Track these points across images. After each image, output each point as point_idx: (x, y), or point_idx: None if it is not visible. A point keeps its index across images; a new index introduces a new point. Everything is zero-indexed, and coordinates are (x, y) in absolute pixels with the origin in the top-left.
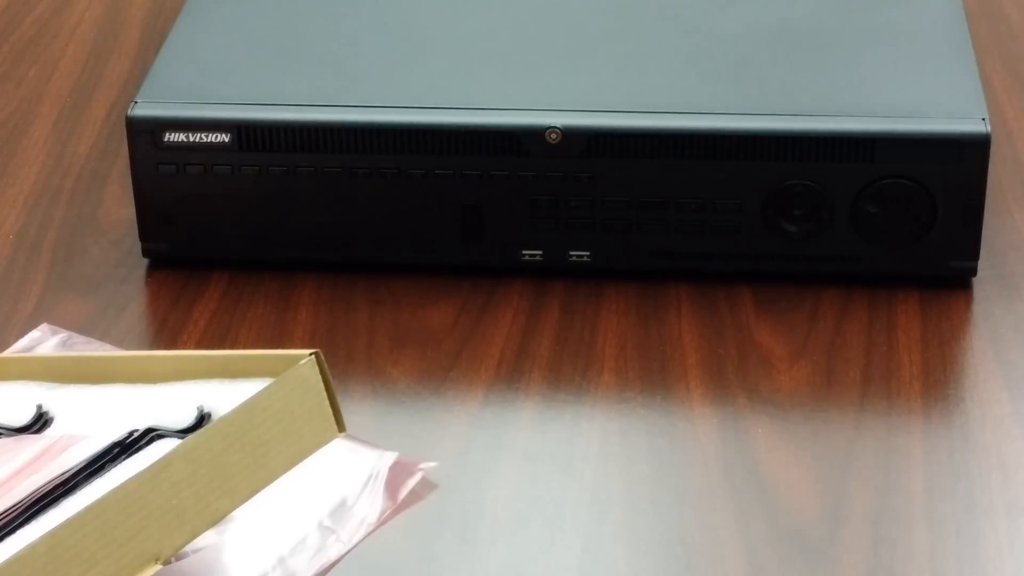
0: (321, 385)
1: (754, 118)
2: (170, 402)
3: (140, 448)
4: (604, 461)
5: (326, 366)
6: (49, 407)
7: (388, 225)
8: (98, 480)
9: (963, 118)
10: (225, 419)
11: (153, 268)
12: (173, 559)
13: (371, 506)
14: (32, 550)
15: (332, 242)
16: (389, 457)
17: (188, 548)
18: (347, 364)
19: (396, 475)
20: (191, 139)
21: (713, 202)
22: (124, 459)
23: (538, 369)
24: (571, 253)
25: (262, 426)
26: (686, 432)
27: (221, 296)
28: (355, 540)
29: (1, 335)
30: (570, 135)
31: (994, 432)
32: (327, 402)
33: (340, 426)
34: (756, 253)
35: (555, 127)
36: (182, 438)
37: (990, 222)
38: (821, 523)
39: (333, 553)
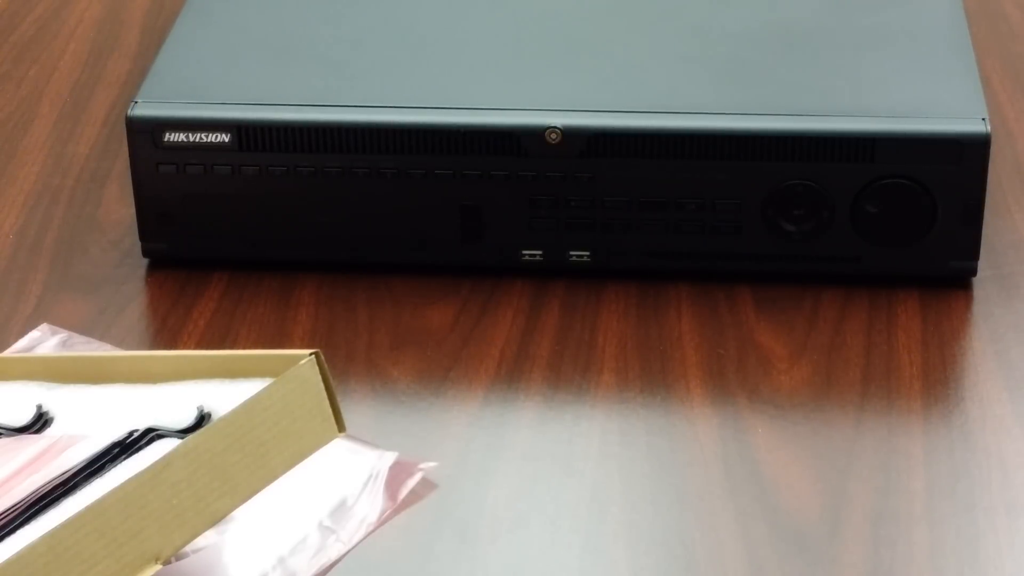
0: (321, 385)
1: (754, 118)
2: (170, 402)
3: (140, 448)
4: (604, 461)
5: (326, 366)
6: (49, 407)
7: (388, 225)
8: (98, 480)
9: (963, 118)
10: (225, 419)
11: (153, 268)
12: (173, 559)
13: (371, 506)
14: (32, 550)
15: (332, 242)
16: (389, 457)
17: (188, 548)
18: (347, 364)
19: (396, 475)
20: (191, 139)
21: (713, 202)
22: (124, 459)
23: (538, 369)
24: (571, 253)
25: (262, 426)
26: (686, 432)
27: (221, 296)
28: (355, 540)
29: (1, 335)
30: (570, 135)
31: (994, 432)
32: (327, 402)
33: (340, 426)
34: (756, 253)
35: (555, 127)
36: (182, 438)
37: (990, 222)
38: (821, 523)
39: (333, 553)
